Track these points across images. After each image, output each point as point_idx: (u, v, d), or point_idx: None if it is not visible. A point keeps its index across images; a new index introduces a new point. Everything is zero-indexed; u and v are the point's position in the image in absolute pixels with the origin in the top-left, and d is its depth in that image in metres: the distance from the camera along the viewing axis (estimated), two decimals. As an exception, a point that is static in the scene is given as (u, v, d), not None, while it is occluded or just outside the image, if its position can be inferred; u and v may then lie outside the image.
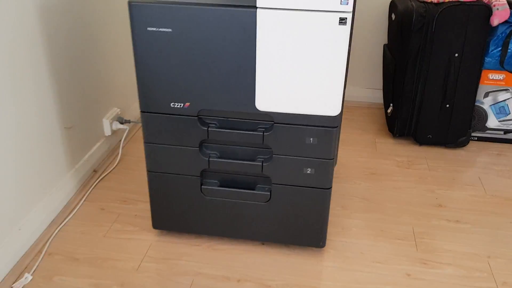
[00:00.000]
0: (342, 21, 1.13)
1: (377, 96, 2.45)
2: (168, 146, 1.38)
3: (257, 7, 1.15)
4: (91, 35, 1.78)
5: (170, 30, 1.21)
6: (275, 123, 1.30)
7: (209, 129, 1.33)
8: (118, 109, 2.01)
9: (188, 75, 1.26)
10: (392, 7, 2.14)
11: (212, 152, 1.39)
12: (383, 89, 2.35)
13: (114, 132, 1.98)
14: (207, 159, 1.38)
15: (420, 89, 1.97)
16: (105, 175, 1.86)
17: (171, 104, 1.31)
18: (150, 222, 1.56)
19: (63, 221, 1.61)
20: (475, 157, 2.01)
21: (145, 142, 1.39)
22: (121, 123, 1.98)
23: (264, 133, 1.32)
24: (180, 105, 1.31)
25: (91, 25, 1.77)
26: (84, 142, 1.81)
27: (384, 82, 2.30)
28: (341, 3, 1.12)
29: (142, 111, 1.34)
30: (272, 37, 1.17)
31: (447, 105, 1.96)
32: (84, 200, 1.72)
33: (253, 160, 1.37)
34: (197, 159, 1.38)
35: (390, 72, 2.12)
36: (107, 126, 1.93)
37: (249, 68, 1.22)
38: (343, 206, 1.70)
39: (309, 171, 1.34)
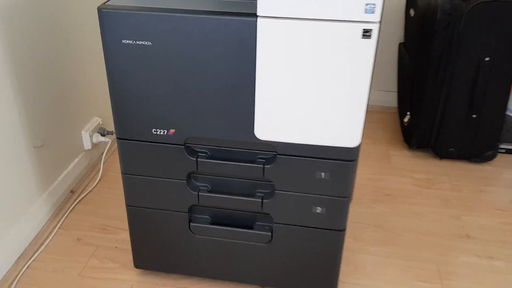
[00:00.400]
0: (366, 33, 0.89)
1: (390, 100, 2.21)
2: (150, 178, 1.15)
3: (257, 16, 0.91)
4: (63, 36, 1.53)
5: (150, 43, 0.97)
6: (278, 154, 1.06)
7: (198, 159, 1.10)
8: (100, 119, 1.77)
9: (172, 97, 1.02)
10: (411, 1, 1.89)
11: (202, 184, 1.16)
12: (398, 94, 2.11)
13: (95, 145, 1.75)
14: (196, 193, 1.15)
15: (443, 97, 1.73)
16: (84, 196, 1.63)
17: (153, 130, 1.08)
18: (132, 257, 1.34)
19: (33, 255, 1.39)
20: (504, 174, 1.78)
21: (123, 173, 1.17)
22: (103, 135, 1.75)
23: (265, 166, 1.08)
24: (164, 132, 1.07)
25: (64, 25, 1.52)
26: (60, 160, 1.58)
27: (399, 87, 2.06)
28: (365, 11, 0.88)
29: (118, 138, 1.11)
30: (276, 53, 0.94)
31: (474, 115, 1.73)
32: (58, 228, 1.49)
33: (252, 196, 1.14)
34: (184, 193, 1.16)
35: (407, 76, 1.87)
36: (87, 139, 1.70)
37: (247, 89, 0.98)
38: (355, 237, 1.47)
39: (319, 210, 1.12)
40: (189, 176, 1.14)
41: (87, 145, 1.70)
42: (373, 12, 0.88)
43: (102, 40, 0.99)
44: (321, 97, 0.97)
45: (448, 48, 1.65)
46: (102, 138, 1.74)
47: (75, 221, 1.53)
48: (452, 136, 1.79)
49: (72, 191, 1.64)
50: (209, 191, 1.16)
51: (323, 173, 1.07)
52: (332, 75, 0.94)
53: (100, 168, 1.74)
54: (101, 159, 1.77)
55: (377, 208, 1.60)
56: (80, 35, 1.62)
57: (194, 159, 1.10)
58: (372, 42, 0.90)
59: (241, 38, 0.93)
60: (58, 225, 1.50)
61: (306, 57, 0.93)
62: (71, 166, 1.64)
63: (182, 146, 1.09)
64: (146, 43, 0.97)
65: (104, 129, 1.76)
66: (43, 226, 1.49)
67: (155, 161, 1.12)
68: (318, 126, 1.00)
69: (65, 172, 1.60)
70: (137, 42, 0.97)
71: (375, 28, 0.89)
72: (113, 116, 1.08)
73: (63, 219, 1.53)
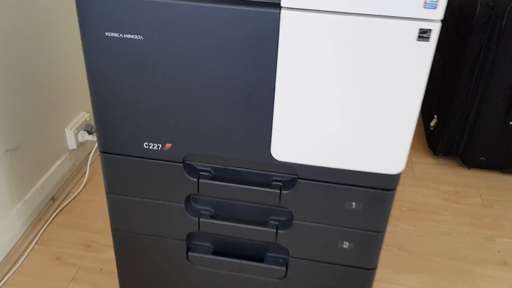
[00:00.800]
0: (424, 34, 0.69)
1: (411, 98, 2.00)
2: (140, 200, 0.95)
3: (281, 7, 0.70)
4: (42, 20, 1.31)
5: (140, 37, 0.76)
6: (299, 178, 0.86)
7: (200, 180, 0.90)
8: (87, 114, 1.56)
9: (169, 104, 0.82)
10: (442, -11, 1.67)
11: (203, 208, 0.96)
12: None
13: (80, 144, 1.54)
14: (197, 218, 0.95)
15: (477, 100, 1.52)
16: (66, 205, 1.43)
17: (145, 144, 0.87)
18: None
19: (3, 278, 1.20)
20: (540, 188, 1.59)
21: (107, 193, 0.96)
22: (90, 132, 1.54)
23: (282, 191, 0.88)
24: (158, 147, 0.87)
25: (43, 6, 1.30)
26: (39, 163, 1.37)
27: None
28: (424, 6, 0.67)
29: (102, 152, 0.91)
30: (303, 54, 0.73)
31: (511, 122, 1.53)
32: (35, 245, 1.30)
33: (264, 224, 0.94)
34: (182, 218, 0.96)
35: (436, 74, 1.67)
36: (71, 138, 1.49)
37: (264, 97, 0.78)
38: (378, 262, 1.28)
39: (346, 245, 0.92)
40: (188, 199, 0.94)
41: (71, 144, 1.50)
42: (434, 8, 0.67)
43: (80, 32, 0.78)
44: (358, 111, 0.77)
45: (487, 45, 1.44)
46: (89, 137, 1.54)
47: (55, 235, 1.33)
48: (484, 144, 1.59)
49: (52, 199, 1.43)
50: (212, 217, 0.96)
51: (354, 203, 0.87)
52: (375, 85, 0.74)
53: (86, 171, 1.54)
54: (88, 160, 1.57)
55: (401, 226, 1.41)
56: (63, 18, 1.39)
57: (195, 179, 0.90)
58: (430, 45, 0.70)
59: (259, 34, 0.72)
60: (35, 241, 1.30)
61: (342, 61, 0.73)
62: (52, 169, 1.43)
63: (181, 164, 0.89)
64: (136, 37, 0.76)
65: (92, 126, 1.55)
66: (16, 242, 1.29)
67: (147, 181, 0.92)
68: (352, 146, 0.80)
69: (45, 176, 1.40)
70: (124, 35, 0.76)
71: (435, 28, 0.68)
72: (95, 125, 0.87)
73: (40, 232, 1.33)
